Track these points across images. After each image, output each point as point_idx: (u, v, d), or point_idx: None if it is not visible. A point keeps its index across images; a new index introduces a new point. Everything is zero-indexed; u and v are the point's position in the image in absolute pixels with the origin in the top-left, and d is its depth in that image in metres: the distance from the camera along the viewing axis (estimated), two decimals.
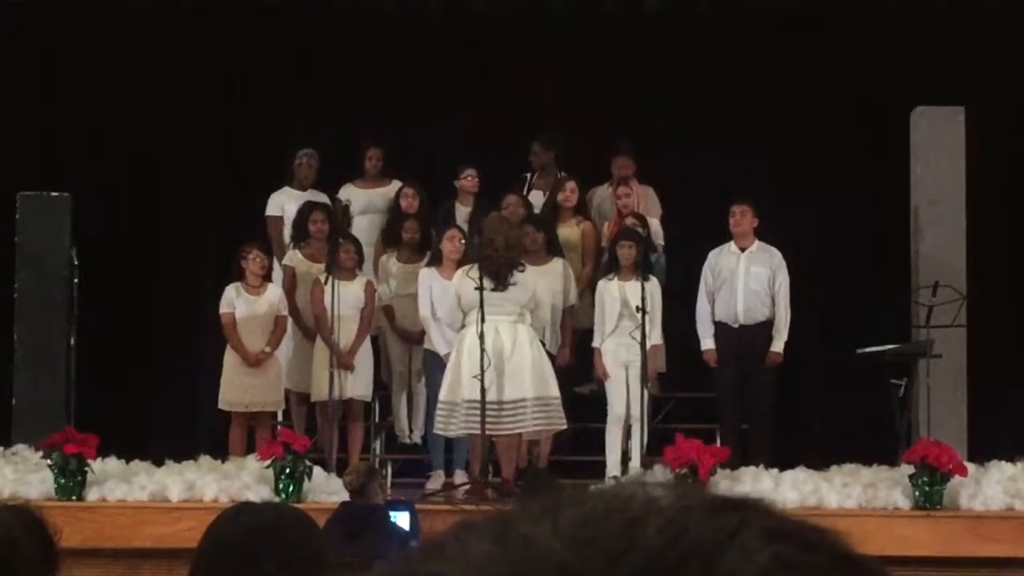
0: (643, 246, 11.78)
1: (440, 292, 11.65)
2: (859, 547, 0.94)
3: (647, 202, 12.91)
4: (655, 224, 12.79)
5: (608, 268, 11.90)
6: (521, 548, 0.93)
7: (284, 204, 12.97)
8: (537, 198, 13.14)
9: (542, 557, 0.92)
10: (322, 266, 11.99)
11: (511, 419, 10.97)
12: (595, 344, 11.77)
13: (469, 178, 12.89)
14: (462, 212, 12.83)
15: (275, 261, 12.37)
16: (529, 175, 13.42)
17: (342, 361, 11.64)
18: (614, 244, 11.87)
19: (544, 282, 11.50)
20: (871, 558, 0.95)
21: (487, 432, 10.98)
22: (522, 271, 11.17)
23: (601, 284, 11.79)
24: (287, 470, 10.55)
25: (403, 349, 12.43)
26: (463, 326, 11.14)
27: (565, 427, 11.30)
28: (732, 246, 12.03)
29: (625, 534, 0.92)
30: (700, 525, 0.92)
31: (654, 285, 11.66)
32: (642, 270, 11.57)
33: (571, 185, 12.71)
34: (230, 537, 2.99)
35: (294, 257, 12.37)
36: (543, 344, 11.41)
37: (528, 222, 12.17)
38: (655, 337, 11.61)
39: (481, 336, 10.79)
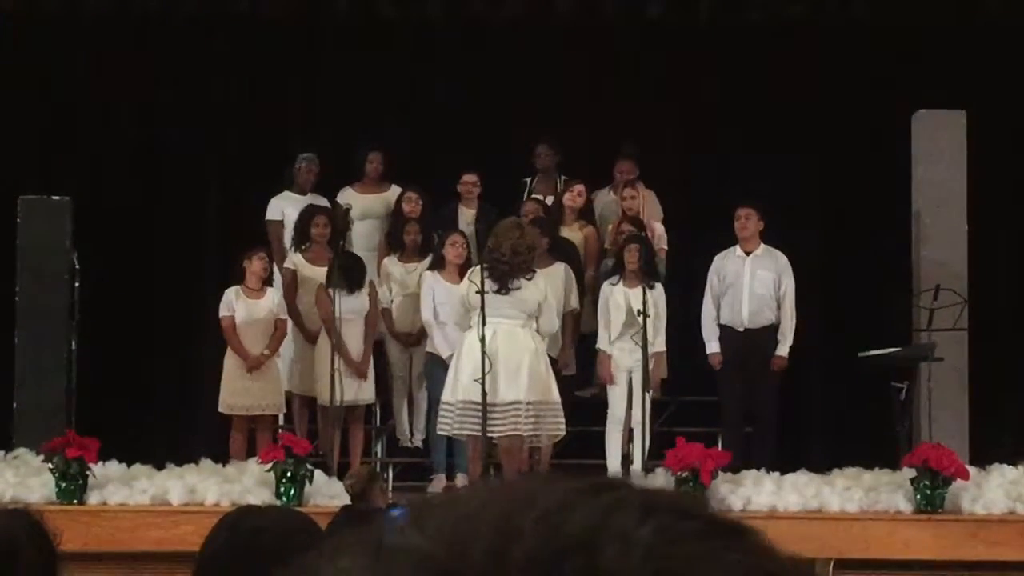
0: (648, 250, 11.77)
1: (443, 296, 11.66)
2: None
3: (650, 206, 12.91)
4: (658, 228, 12.78)
5: (612, 272, 11.89)
6: (398, 559, 0.92)
7: (284, 208, 12.97)
8: None
9: (421, 564, 0.91)
10: (324, 270, 11.97)
11: (503, 421, 10.95)
12: (600, 346, 11.75)
13: (470, 183, 12.90)
14: (466, 215, 12.81)
15: (274, 265, 12.36)
16: (529, 180, 13.41)
17: (356, 369, 11.63)
18: (621, 248, 11.84)
19: (549, 289, 11.49)
20: (744, 521, 0.96)
21: (485, 434, 10.97)
22: (530, 278, 11.15)
23: (606, 288, 11.79)
24: (288, 473, 10.55)
25: (403, 352, 12.42)
26: (468, 327, 11.13)
27: (563, 433, 11.28)
28: (737, 250, 12.02)
29: (502, 529, 0.91)
30: (576, 511, 0.91)
31: (659, 292, 11.65)
32: (647, 275, 11.55)
33: (579, 188, 12.74)
34: (232, 541, 2.98)
35: (296, 260, 12.36)
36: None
37: (534, 225, 12.16)
38: (659, 344, 11.60)
39: (482, 339, 10.79)
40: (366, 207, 12.96)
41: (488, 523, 0.92)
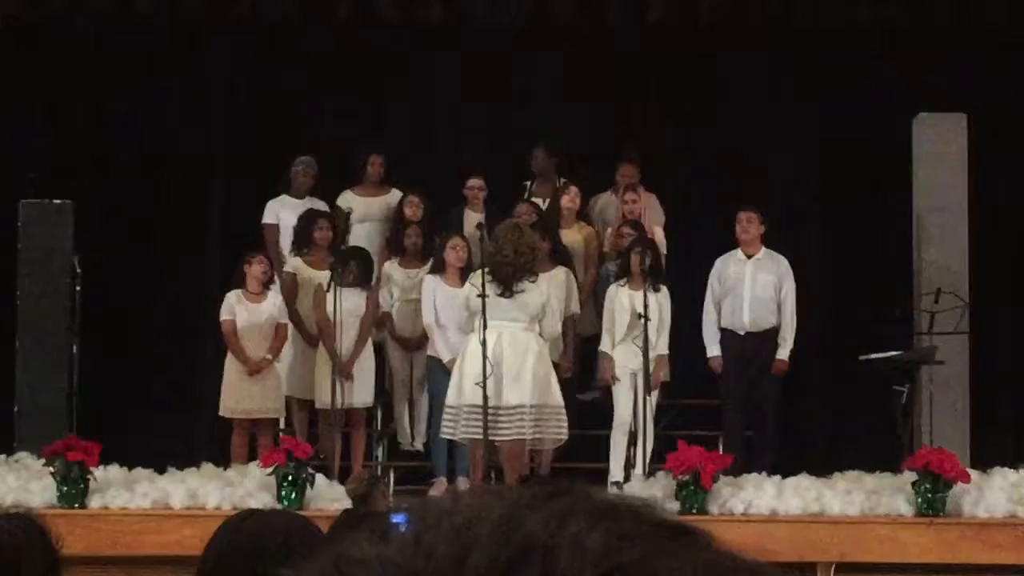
0: (655, 253, 11.77)
1: (444, 299, 11.66)
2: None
3: (651, 210, 12.91)
4: (659, 233, 12.79)
5: (619, 274, 11.88)
6: (361, 566, 0.94)
7: (279, 212, 12.96)
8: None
9: (384, 571, 0.94)
10: (324, 273, 11.97)
11: (509, 425, 10.96)
12: (603, 348, 11.75)
13: (476, 188, 12.90)
14: (472, 218, 12.79)
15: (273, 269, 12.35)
16: (529, 183, 13.41)
17: (341, 369, 11.63)
18: (627, 251, 11.84)
19: (551, 293, 11.49)
20: (694, 524, 0.98)
21: (488, 438, 10.97)
22: (534, 281, 11.16)
23: (611, 290, 11.78)
24: (289, 477, 10.55)
25: (404, 356, 12.42)
26: (472, 330, 11.13)
27: (566, 438, 11.28)
28: (739, 253, 12.01)
29: (459, 538, 0.94)
30: (530, 519, 0.94)
31: (664, 294, 11.65)
32: (652, 279, 11.55)
33: (574, 190, 12.74)
34: (235, 544, 2.99)
35: (296, 264, 12.36)
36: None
37: (535, 229, 12.18)
38: (662, 346, 11.60)
39: (483, 342, 10.79)
40: (366, 210, 12.96)
41: (448, 531, 0.94)
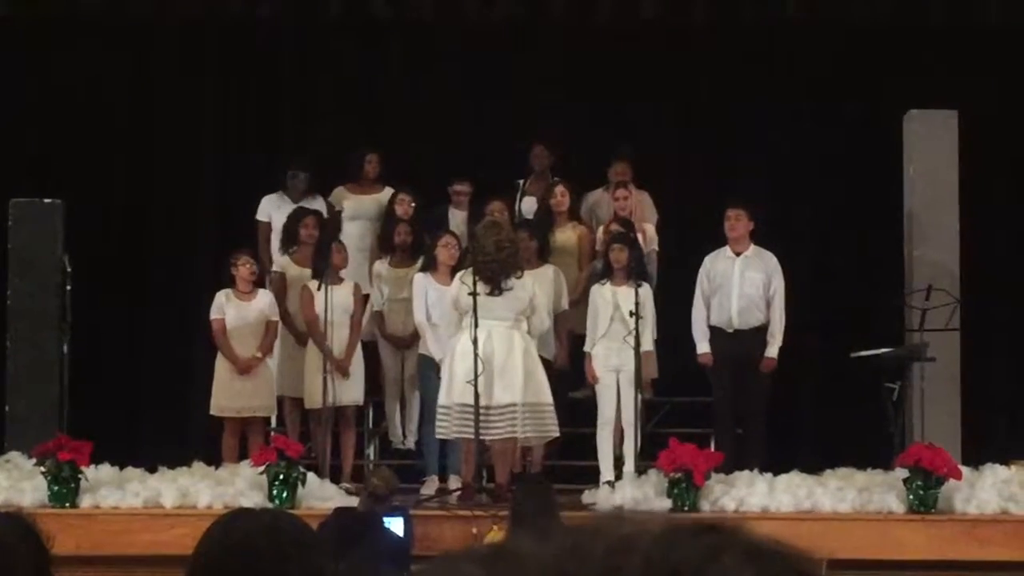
0: (636, 250, 11.78)
1: (435, 298, 11.65)
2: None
3: (643, 207, 12.91)
4: (649, 230, 12.79)
5: (602, 273, 11.90)
6: (513, 571, 0.94)
7: (271, 212, 12.97)
8: (530, 204, 13.15)
9: (539, 570, 0.95)
10: (311, 271, 11.97)
11: (500, 424, 10.96)
12: (587, 348, 11.76)
13: (462, 192, 12.92)
14: (457, 217, 12.82)
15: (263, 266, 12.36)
16: (522, 181, 13.41)
17: (337, 367, 11.62)
18: (607, 248, 11.86)
19: (539, 288, 11.49)
20: None
21: (479, 436, 10.97)
22: (519, 277, 11.16)
23: (594, 289, 11.78)
24: (281, 476, 10.54)
25: (395, 355, 12.42)
26: (459, 329, 11.13)
27: (557, 435, 11.29)
28: (727, 251, 12.02)
29: (613, 556, 0.95)
30: (683, 547, 0.96)
31: (646, 291, 11.65)
32: (635, 275, 11.57)
33: (560, 189, 12.70)
34: (226, 544, 2.98)
35: (284, 262, 12.36)
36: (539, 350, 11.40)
37: (522, 228, 12.19)
38: (647, 343, 11.59)
39: (475, 341, 10.79)
40: (359, 208, 12.96)
41: (601, 549, 0.96)
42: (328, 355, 11.59)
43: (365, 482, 10.07)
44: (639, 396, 11.42)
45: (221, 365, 11.79)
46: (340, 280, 11.86)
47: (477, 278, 10.97)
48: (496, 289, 11.02)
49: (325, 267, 11.68)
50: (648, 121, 14.25)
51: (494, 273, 11.03)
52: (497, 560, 0.97)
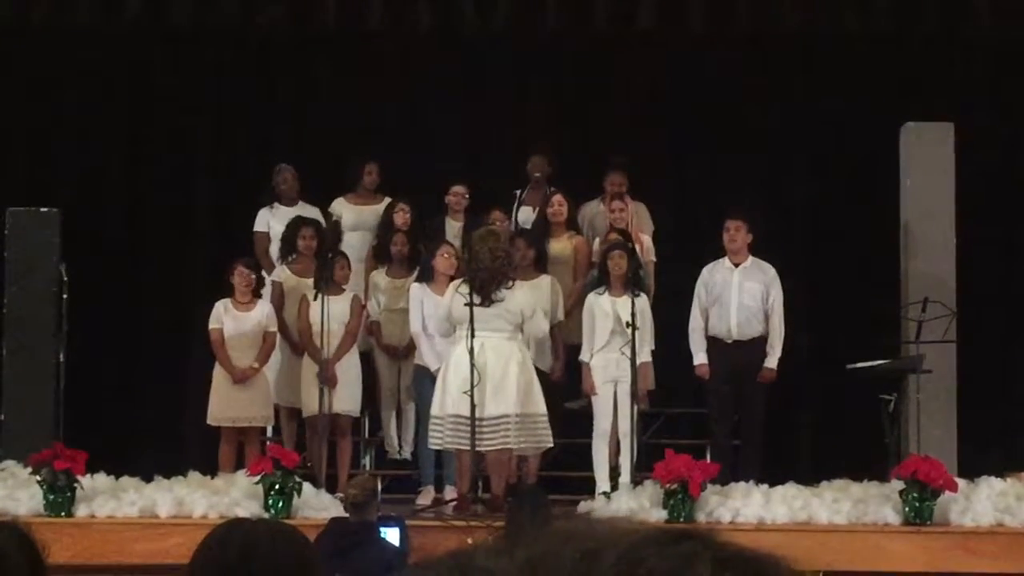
0: (633, 259, 11.77)
1: (432, 308, 11.65)
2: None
3: (639, 218, 12.91)
4: (646, 241, 12.79)
5: (598, 282, 11.89)
6: None
7: (270, 221, 12.97)
8: (527, 214, 13.14)
9: None
10: (311, 281, 11.98)
11: (492, 435, 10.95)
12: (583, 359, 11.75)
13: (456, 196, 12.90)
14: (453, 227, 12.82)
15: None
16: (520, 191, 13.41)
17: (324, 375, 11.61)
18: (604, 257, 11.86)
19: (533, 297, 11.49)
20: None
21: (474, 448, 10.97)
22: (511, 287, 11.15)
23: (591, 298, 11.77)
24: (277, 486, 10.53)
25: (391, 365, 12.41)
26: (455, 340, 11.12)
27: (551, 445, 11.29)
28: (726, 261, 12.02)
29: (582, 566, 0.94)
30: (653, 556, 0.95)
31: (644, 301, 11.65)
32: (632, 285, 11.57)
33: (558, 199, 12.70)
34: (222, 553, 2.98)
35: (282, 273, 12.37)
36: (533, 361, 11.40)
37: (519, 237, 12.19)
38: (644, 354, 11.59)
39: (471, 351, 10.79)
40: (359, 218, 12.95)
41: (570, 558, 0.95)
42: (322, 365, 11.59)
43: (344, 497, 10.01)
44: (635, 407, 11.41)
45: (218, 375, 11.78)
46: (340, 291, 11.86)
47: (471, 288, 10.97)
48: (487, 300, 11.01)
49: (326, 278, 11.68)
50: (644, 131, 14.24)
51: (484, 283, 11.03)
52: (466, 573, 0.96)
